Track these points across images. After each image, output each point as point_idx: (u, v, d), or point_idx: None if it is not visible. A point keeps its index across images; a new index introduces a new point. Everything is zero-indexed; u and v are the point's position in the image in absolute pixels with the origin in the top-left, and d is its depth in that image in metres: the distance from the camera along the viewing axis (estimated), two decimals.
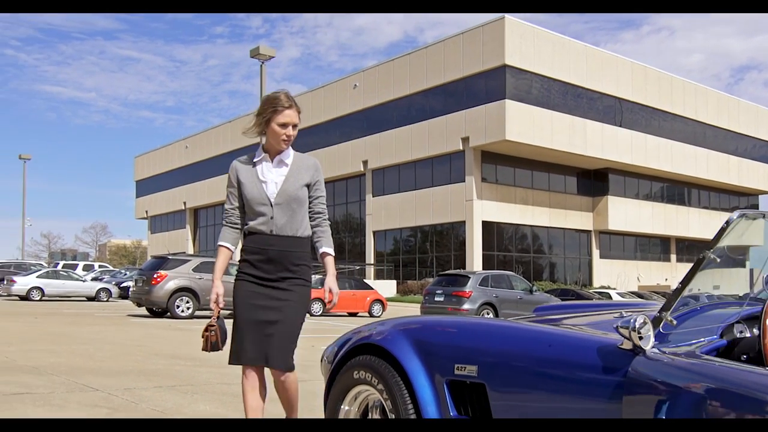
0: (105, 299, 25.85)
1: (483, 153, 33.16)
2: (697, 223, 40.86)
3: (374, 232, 37.84)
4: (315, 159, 3.39)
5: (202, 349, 3.28)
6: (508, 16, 31.10)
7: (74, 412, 4.34)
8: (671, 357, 1.96)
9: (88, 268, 35.83)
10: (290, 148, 3.29)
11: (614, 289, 31.80)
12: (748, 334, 2.27)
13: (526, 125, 31.67)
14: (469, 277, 17.59)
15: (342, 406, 2.91)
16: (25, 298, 24.27)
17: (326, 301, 3.20)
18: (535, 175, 35.32)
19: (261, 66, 24.12)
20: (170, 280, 16.85)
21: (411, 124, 35.33)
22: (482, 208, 32.95)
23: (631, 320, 1.99)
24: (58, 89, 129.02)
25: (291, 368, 3.15)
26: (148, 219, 58.09)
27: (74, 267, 35.32)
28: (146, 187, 57.41)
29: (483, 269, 30.43)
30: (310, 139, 40.79)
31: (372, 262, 37.61)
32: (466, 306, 16.67)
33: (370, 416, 2.85)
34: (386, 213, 37.11)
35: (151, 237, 58.21)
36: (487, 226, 33.11)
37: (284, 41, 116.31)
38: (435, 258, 35.05)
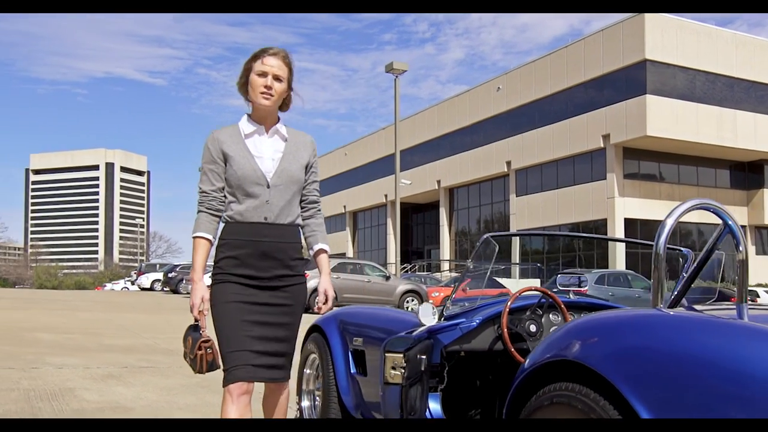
0: None
1: (624, 149, 32.86)
2: None
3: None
4: (310, 136, 2.88)
5: (197, 371, 2.63)
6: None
7: (175, 380, 6.01)
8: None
9: None
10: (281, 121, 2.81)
11: None
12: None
13: (669, 120, 31.03)
14: (585, 277, 18.22)
15: (305, 370, 4.30)
16: None
17: (319, 304, 2.80)
18: (681, 170, 34.31)
19: (395, 80, 25.82)
20: (310, 280, 19.09)
21: (552, 124, 35.68)
22: (624, 205, 32.67)
23: (420, 306, 3.29)
24: (244, 103, 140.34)
25: (289, 378, 2.79)
26: None
27: None
28: None
29: (626, 268, 30.31)
30: (457, 140, 42.32)
31: (517, 261, 38.26)
32: None
33: (316, 375, 4.28)
34: (529, 212, 37.66)
35: None
36: (630, 223, 32.74)
37: (449, 43, 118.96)
38: (578, 257, 35.16)
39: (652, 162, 33.62)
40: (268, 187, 2.68)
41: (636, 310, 2.35)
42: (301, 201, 2.84)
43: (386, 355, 2.85)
